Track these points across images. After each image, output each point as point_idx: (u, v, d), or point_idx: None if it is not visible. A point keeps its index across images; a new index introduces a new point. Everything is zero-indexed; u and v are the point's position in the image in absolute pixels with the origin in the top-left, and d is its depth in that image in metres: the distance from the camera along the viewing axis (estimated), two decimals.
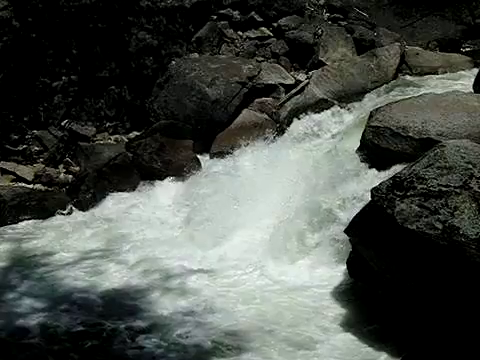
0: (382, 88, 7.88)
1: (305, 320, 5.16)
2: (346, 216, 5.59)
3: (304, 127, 7.73)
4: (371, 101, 7.62)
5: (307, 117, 7.81)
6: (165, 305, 5.42)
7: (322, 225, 5.99)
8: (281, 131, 7.92)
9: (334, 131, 7.50)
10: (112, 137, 8.47)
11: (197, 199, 7.08)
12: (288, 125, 7.92)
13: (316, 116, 7.79)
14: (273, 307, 5.36)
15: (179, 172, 7.64)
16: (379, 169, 5.89)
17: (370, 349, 4.74)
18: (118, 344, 4.90)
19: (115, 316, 5.24)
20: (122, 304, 5.46)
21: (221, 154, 7.83)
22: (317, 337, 4.92)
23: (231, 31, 9.11)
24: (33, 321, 5.17)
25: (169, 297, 5.54)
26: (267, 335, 4.94)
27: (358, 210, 5.13)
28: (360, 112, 7.36)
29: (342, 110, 7.75)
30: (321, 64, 8.59)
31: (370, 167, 6.02)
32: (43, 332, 5.03)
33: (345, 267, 5.49)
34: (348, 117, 7.59)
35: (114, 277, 5.93)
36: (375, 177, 5.79)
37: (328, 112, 7.78)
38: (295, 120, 7.87)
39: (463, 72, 8.28)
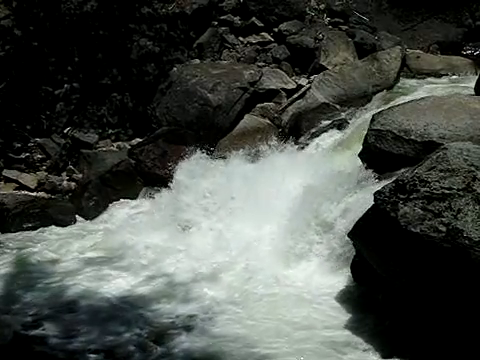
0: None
1: (310, 326, 5.15)
2: (349, 219, 5.58)
3: None
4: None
5: None
6: (169, 311, 5.43)
7: (326, 229, 5.99)
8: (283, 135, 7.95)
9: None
10: (115, 144, 8.47)
11: (199, 204, 7.09)
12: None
13: None
14: (277, 312, 5.35)
15: None
16: (381, 172, 5.89)
17: (374, 350, 4.73)
18: (123, 352, 4.89)
19: (119, 324, 5.24)
20: (126, 311, 5.45)
21: (223, 159, 7.83)
22: (322, 341, 4.91)
23: (232, 37, 9.12)
24: (37, 330, 5.18)
25: (173, 303, 5.55)
26: (270, 340, 4.93)
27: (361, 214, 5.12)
28: None
29: None
30: (322, 68, 8.60)
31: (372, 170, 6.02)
32: (47, 341, 5.03)
33: (349, 271, 5.48)
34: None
35: (118, 284, 5.93)
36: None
37: None
38: None
39: (464, 75, 8.29)
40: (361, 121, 7.24)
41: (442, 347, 4.51)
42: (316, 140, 7.53)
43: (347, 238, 5.32)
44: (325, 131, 7.59)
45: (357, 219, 5.09)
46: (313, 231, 6.08)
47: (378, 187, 4.93)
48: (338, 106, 7.97)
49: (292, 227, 6.19)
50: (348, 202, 5.87)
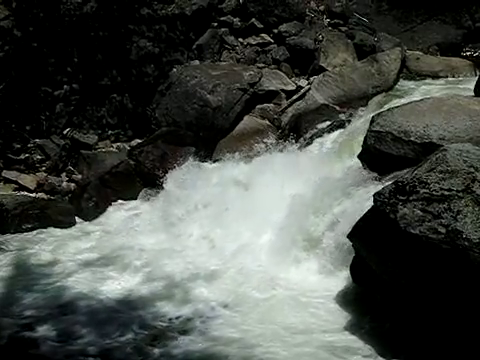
0: None
1: (309, 327, 5.13)
2: (348, 221, 5.56)
3: None
4: None
5: None
6: (168, 313, 5.42)
7: (325, 230, 5.98)
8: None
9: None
10: (114, 145, 8.48)
11: (198, 206, 7.08)
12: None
13: None
14: (276, 313, 5.34)
15: None
16: (381, 174, 5.88)
17: (375, 354, 4.71)
18: (120, 354, 4.88)
19: (116, 326, 5.23)
20: (123, 313, 5.44)
21: (222, 161, 7.83)
22: (321, 344, 4.89)
23: (232, 38, 9.12)
24: (34, 332, 5.16)
25: (172, 305, 5.53)
26: (270, 343, 4.91)
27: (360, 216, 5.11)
28: None
29: None
30: (322, 70, 8.60)
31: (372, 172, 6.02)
32: (44, 343, 5.01)
33: (348, 272, 5.47)
34: None
35: (117, 286, 5.92)
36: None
37: None
38: None
39: (464, 76, 8.29)
40: (353, 128, 7.22)
41: (443, 349, 4.49)
42: (314, 143, 7.51)
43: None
44: (321, 136, 7.58)
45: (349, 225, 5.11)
46: (312, 232, 6.07)
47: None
48: (338, 107, 7.97)
49: (292, 228, 6.18)
50: (334, 213, 5.87)
